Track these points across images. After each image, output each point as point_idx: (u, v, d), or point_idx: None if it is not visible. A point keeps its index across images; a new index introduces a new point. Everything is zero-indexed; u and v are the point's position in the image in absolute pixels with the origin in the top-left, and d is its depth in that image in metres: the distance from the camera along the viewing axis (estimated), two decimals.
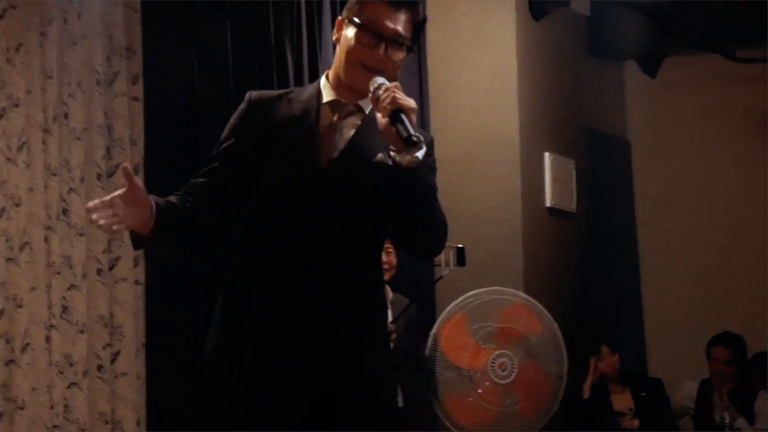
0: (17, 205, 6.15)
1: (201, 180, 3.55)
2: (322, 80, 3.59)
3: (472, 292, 6.58)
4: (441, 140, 7.78)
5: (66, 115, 6.37)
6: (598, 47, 8.84)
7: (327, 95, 3.54)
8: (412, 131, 3.32)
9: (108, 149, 6.58)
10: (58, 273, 6.28)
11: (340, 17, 3.52)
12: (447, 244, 3.75)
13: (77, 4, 6.48)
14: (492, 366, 6.39)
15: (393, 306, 6.59)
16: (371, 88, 3.41)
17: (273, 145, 3.50)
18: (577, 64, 8.74)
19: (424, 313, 6.96)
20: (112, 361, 6.52)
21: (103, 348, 6.47)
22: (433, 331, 6.53)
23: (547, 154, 8.16)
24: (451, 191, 8.06)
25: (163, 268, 6.44)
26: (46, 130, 6.27)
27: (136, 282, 6.63)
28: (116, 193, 3.26)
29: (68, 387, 6.29)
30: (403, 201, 3.44)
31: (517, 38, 8.05)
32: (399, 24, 3.50)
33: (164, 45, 6.75)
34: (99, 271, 6.48)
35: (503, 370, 6.37)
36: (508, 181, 7.91)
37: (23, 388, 6.12)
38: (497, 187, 7.91)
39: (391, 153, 3.39)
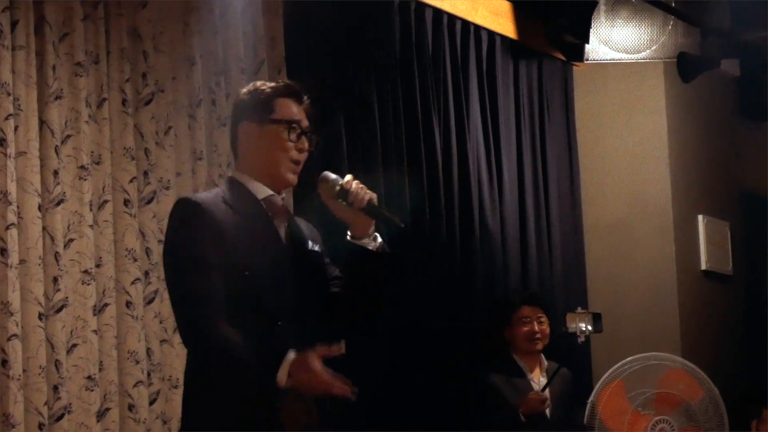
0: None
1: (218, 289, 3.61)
2: (243, 179, 3.79)
3: (629, 358, 6.50)
4: (592, 206, 7.80)
5: None
6: (749, 107, 8.59)
7: (260, 192, 3.79)
8: (396, 218, 3.79)
9: None
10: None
11: (245, 122, 3.80)
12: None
13: (225, 85, 6.45)
14: None
15: (548, 374, 6.51)
16: (327, 185, 3.76)
17: (240, 237, 3.66)
18: (728, 125, 8.50)
19: (579, 381, 6.77)
20: None
21: None
22: (591, 398, 6.46)
23: (700, 217, 7.94)
24: (605, 256, 7.93)
25: None
26: None
27: None
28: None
29: None
30: (367, 280, 3.78)
31: (667, 102, 7.90)
32: (305, 115, 3.89)
33: (311, 121, 6.61)
34: None
35: None
36: (662, 246, 7.74)
37: None
38: (651, 252, 7.75)
39: (353, 240, 3.76)
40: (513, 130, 7.73)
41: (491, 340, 6.68)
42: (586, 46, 8.12)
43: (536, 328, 6.54)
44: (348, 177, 3.79)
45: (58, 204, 5.54)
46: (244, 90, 3.94)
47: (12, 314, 5.28)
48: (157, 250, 5.96)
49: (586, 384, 6.95)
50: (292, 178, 3.84)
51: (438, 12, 7.24)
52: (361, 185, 3.75)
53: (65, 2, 5.76)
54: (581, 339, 6.50)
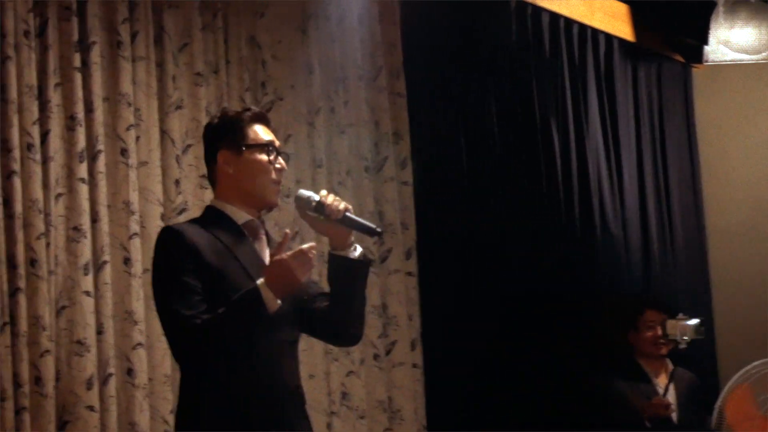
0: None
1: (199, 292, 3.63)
2: (223, 206, 3.81)
3: (756, 363, 6.27)
4: (715, 209, 7.54)
5: None
6: None
7: (240, 217, 3.81)
8: (372, 225, 3.83)
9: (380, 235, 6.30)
10: (336, 360, 6.04)
11: (222, 150, 3.79)
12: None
13: (344, 93, 6.34)
14: None
15: (674, 379, 6.29)
16: (302, 202, 3.78)
17: (224, 261, 3.68)
18: None
19: (705, 386, 6.60)
20: None
21: None
22: (718, 403, 6.25)
23: None
24: (727, 262, 7.66)
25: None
26: None
27: (414, 365, 6.33)
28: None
29: None
30: (352, 289, 3.86)
31: None
32: (274, 135, 3.90)
33: (431, 128, 6.54)
34: (376, 356, 6.22)
35: None
36: None
37: None
38: None
39: (334, 252, 3.82)
40: (632, 133, 7.50)
41: (615, 343, 6.45)
42: (705, 47, 7.86)
43: (661, 332, 6.30)
44: (323, 192, 3.83)
45: (180, 213, 5.46)
46: (213, 118, 3.96)
47: (137, 323, 5.21)
48: None
49: (713, 388, 6.68)
50: (275, 198, 3.88)
51: (555, 16, 7.04)
52: (336, 197, 3.80)
53: (184, 12, 5.70)
54: (682, 346, 6.24)
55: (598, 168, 7.06)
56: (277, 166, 3.84)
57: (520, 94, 6.70)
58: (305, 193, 3.82)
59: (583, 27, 7.23)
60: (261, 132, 3.85)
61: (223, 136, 3.84)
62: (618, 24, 7.51)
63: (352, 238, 3.85)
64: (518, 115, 6.68)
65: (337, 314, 3.88)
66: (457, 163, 6.52)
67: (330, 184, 6.16)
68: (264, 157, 3.81)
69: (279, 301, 3.57)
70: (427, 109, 6.59)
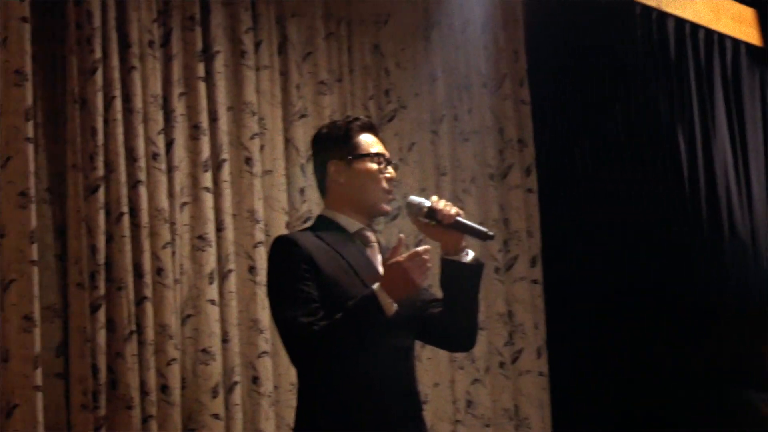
0: None
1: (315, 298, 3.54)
2: (334, 215, 3.73)
3: None
4: None
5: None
6: None
7: (351, 226, 3.73)
8: (484, 229, 3.69)
9: (506, 242, 6.08)
10: (461, 368, 5.79)
11: (332, 161, 3.71)
12: None
13: (467, 100, 6.12)
14: None
15: None
16: (413, 209, 3.68)
17: (338, 270, 3.59)
18: None
19: None
20: None
21: None
22: None
23: None
24: None
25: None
26: None
27: (540, 373, 6.08)
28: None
29: None
30: (468, 294, 3.72)
31: None
32: (383, 145, 3.81)
33: (555, 135, 6.31)
34: (501, 364, 5.96)
35: None
36: None
37: None
38: None
39: (447, 257, 3.70)
40: (760, 138, 7.15)
41: (748, 353, 6.11)
42: None
43: None
44: (434, 197, 3.73)
45: (305, 221, 5.28)
46: (323, 128, 3.87)
47: (262, 331, 5.04)
48: None
49: None
50: (387, 207, 3.79)
51: (680, 21, 6.74)
52: (447, 202, 3.70)
53: (308, 21, 5.53)
54: None
55: (726, 174, 6.74)
56: (387, 174, 3.75)
57: (645, 100, 6.42)
58: (416, 199, 3.73)
59: (709, 32, 6.93)
60: (370, 141, 3.77)
61: (333, 147, 3.76)
62: (744, 28, 7.19)
63: (465, 243, 3.73)
64: (644, 120, 6.40)
65: (451, 319, 3.75)
66: (582, 169, 6.29)
67: (454, 192, 5.96)
68: (374, 166, 3.73)
69: (395, 306, 3.45)
70: (552, 115, 6.38)
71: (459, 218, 3.67)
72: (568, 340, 6.17)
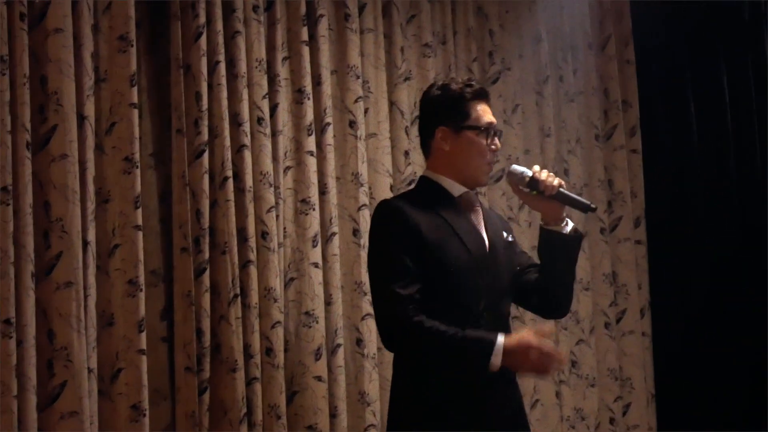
0: None
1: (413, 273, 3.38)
2: (438, 178, 3.56)
3: None
4: None
5: (566, 171, 5.59)
6: None
7: (456, 190, 3.55)
8: (587, 201, 3.57)
9: (610, 203, 5.72)
10: (565, 329, 5.48)
11: (441, 126, 3.53)
12: None
13: (572, 61, 5.77)
14: None
15: None
16: (515, 177, 3.54)
17: (441, 233, 3.45)
18: None
19: None
20: (624, 414, 5.63)
21: (614, 401, 5.62)
22: None
23: None
24: None
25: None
26: None
27: (643, 334, 5.73)
28: None
29: None
30: (563, 264, 3.58)
31: None
32: (491, 113, 3.60)
33: (660, 96, 5.94)
34: (606, 324, 5.63)
35: None
36: None
37: None
38: None
39: (546, 227, 3.56)
40: None
41: None
42: None
43: None
44: (536, 167, 3.57)
45: (409, 184, 4.99)
46: (434, 90, 3.63)
47: (365, 294, 4.80)
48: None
49: None
50: (486, 179, 3.66)
51: None
52: (550, 173, 3.54)
53: None
54: None
55: None
56: (493, 147, 3.56)
57: (752, 61, 5.98)
58: (518, 168, 3.58)
59: None
60: (482, 112, 3.56)
61: (443, 112, 3.56)
62: None
63: (565, 213, 3.58)
64: (750, 80, 5.96)
65: (547, 288, 3.61)
66: (686, 130, 5.88)
67: (559, 153, 5.62)
68: (482, 139, 3.53)
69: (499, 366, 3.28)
70: (657, 76, 5.96)
71: (561, 189, 3.52)
72: (671, 300, 5.80)
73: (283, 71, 4.75)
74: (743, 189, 5.86)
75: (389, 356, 4.74)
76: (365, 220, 4.83)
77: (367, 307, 4.76)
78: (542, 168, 3.55)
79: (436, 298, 3.38)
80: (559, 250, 3.57)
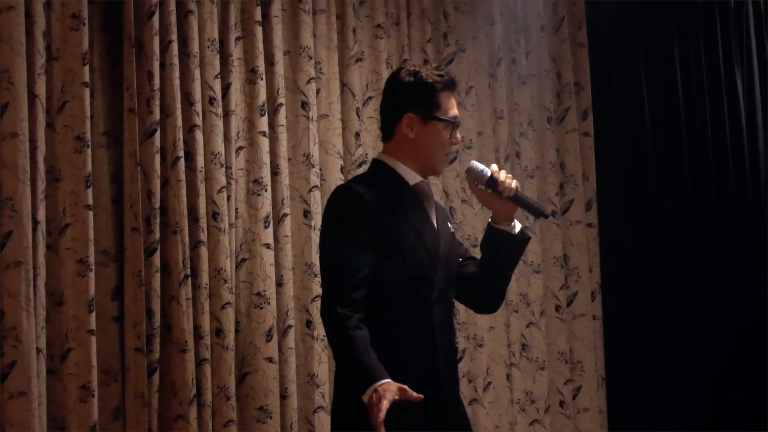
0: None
1: (364, 272, 3.41)
2: (395, 164, 3.59)
3: None
4: None
5: (518, 154, 5.71)
6: None
7: (411, 178, 3.60)
8: (542, 207, 3.81)
9: (562, 186, 5.84)
10: (516, 311, 5.59)
11: (409, 113, 3.55)
12: None
13: (525, 43, 5.86)
14: None
15: None
16: (475, 174, 3.61)
17: (399, 223, 3.52)
18: None
19: None
20: (574, 397, 5.76)
21: (564, 384, 5.73)
22: None
23: None
24: None
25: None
26: None
27: (594, 317, 5.86)
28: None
29: (530, 424, 5.59)
30: (507, 263, 3.70)
31: None
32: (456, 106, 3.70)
33: (612, 79, 6.06)
34: (557, 307, 5.76)
35: None
36: None
37: (486, 426, 5.40)
38: None
39: (495, 225, 3.66)
40: None
41: None
42: None
43: None
44: (494, 166, 3.65)
45: (359, 165, 5.09)
46: (406, 75, 3.62)
47: (316, 275, 4.88)
48: (461, 209, 5.53)
49: None
50: (443, 169, 3.74)
51: None
52: (508, 174, 3.62)
53: None
54: None
55: None
56: (454, 141, 3.64)
57: (704, 43, 6.10)
58: (478, 166, 3.64)
59: None
60: (450, 105, 3.61)
61: (413, 98, 3.58)
62: None
63: (514, 214, 3.68)
64: (702, 64, 6.08)
65: (485, 283, 3.70)
66: (638, 113, 6.00)
67: (511, 136, 5.72)
68: (447, 132, 3.59)
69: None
70: (609, 59, 6.08)
71: (518, 192, 3.62)
72: (622, 283, 5.93)
73: (236, 51, 4.80)
74: (695, 171, 5.97)
75: None
76: (316, 201, 4.91)
77: (318, 288, 4.83)
78: (499, 167, 3.63)
79: (390, 287, 3.43)
80: (505, 250, 3.66)
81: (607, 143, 6.01)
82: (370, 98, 5.21)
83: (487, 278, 3.68)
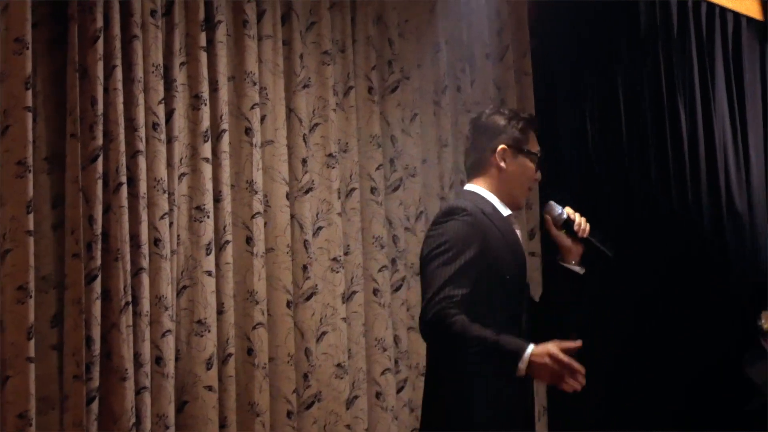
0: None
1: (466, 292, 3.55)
2: (488, 195, 3.78)
3: None
4: None
5: (462, 182, 5.68)
6: None
7: (504, 210, 3.80)
8: (607, 250, 3.89)
9: None
10: None
11: (503, 146, 3.78)
12: None
13: (470, 71, 5.94)
14: None
15: None
16: (553, 215, 3.90)
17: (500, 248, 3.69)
18: None
19: None
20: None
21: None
22: None
23: None
24: None
25: None
26: (442, 199, 5.62)
27: None
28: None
29: None
30: (571, 298, 3.92)
31: None
32: None
33: (557, 106, 6.15)
34: None
35: None
36: None
37: None
38: None
39: (563, 263, 3.90)
40: (760, 112, 6.91)
41: (744, 328, 5.92)
42: None
43: None
44: (568, 209, 3.91)
45: (306, 192, 5.09)
46: (500, 114, 3.90)
47: (258, 302, 4.89)
48: (404, 238, 5.56)
49: None
50: (524, 203, 4.01)
51: None
52: (582, 217, 3.89)
53: None
54: None
55: (725, 146, 6.53)
56: (537, 177, 3.89)
57: (647, 73, 6.21)
58: (556, 207, 3.92)
59: (711, 5, 6.69)
60: (535, 141, 3.88)
61: (509, 132, 3.83)
62: (746, 2, 6.94)
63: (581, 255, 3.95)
64: (645, 93, 6.20)
65: (545, 316, 3.88)
66: (582, 141, 6.11)
67: (456, 163, 5.76)
68: (533, 165, 3.85)
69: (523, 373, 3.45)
70: (554, 87, 6.17)
71: (590, 235, 3.89)
72: None
73: (180, 76, 4.82)
74: (640, 197, 6.08)
75: (283, 366, 4.90)
76: (259, 228, 4.93)
77: (259, 316, 4.86)
78: (574, 212, 3.89)
79: (489, 307, 3.57)
80: (571, 286, 3.90)
81: (551, 171, 6.06)
82: (317, 124, 5.24)
83: (546, 312, 3.88)
